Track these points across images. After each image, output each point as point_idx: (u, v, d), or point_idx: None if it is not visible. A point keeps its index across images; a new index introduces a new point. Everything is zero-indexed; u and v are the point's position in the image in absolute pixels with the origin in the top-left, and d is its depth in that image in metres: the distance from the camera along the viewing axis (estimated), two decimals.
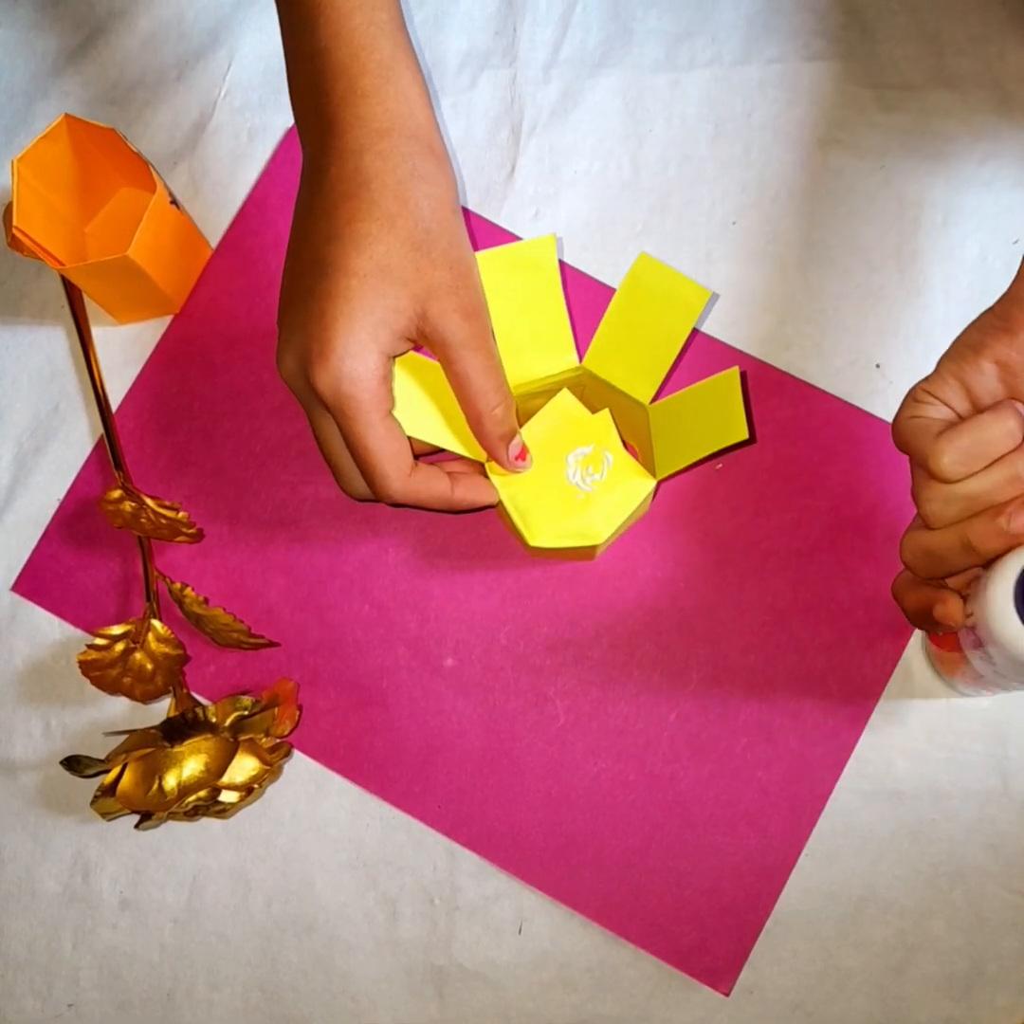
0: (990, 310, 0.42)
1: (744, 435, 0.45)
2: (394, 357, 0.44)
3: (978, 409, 0.42)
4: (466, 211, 0.57)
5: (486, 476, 0.49)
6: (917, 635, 0.52)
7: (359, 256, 0.42)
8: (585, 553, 0.51)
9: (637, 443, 0.50)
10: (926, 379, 0.43)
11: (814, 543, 0.53)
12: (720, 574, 0.53)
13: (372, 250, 0.42)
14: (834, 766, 0.51)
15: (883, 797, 0.51)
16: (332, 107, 0.44)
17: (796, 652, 0.52)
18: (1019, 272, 0.42)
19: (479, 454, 0.48)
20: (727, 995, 0.50)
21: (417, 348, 0.46)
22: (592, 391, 0.51)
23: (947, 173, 0.57)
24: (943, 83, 0.58)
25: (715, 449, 0.46)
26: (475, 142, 0.58)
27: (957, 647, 0.47)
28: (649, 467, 0.49)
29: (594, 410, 0.49)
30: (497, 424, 0.46)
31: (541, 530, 0.48)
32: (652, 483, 0.49)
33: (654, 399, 0.49)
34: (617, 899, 0.50)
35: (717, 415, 0.46)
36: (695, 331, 0.55)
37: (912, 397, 0.43)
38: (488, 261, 0.47)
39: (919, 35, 0.59)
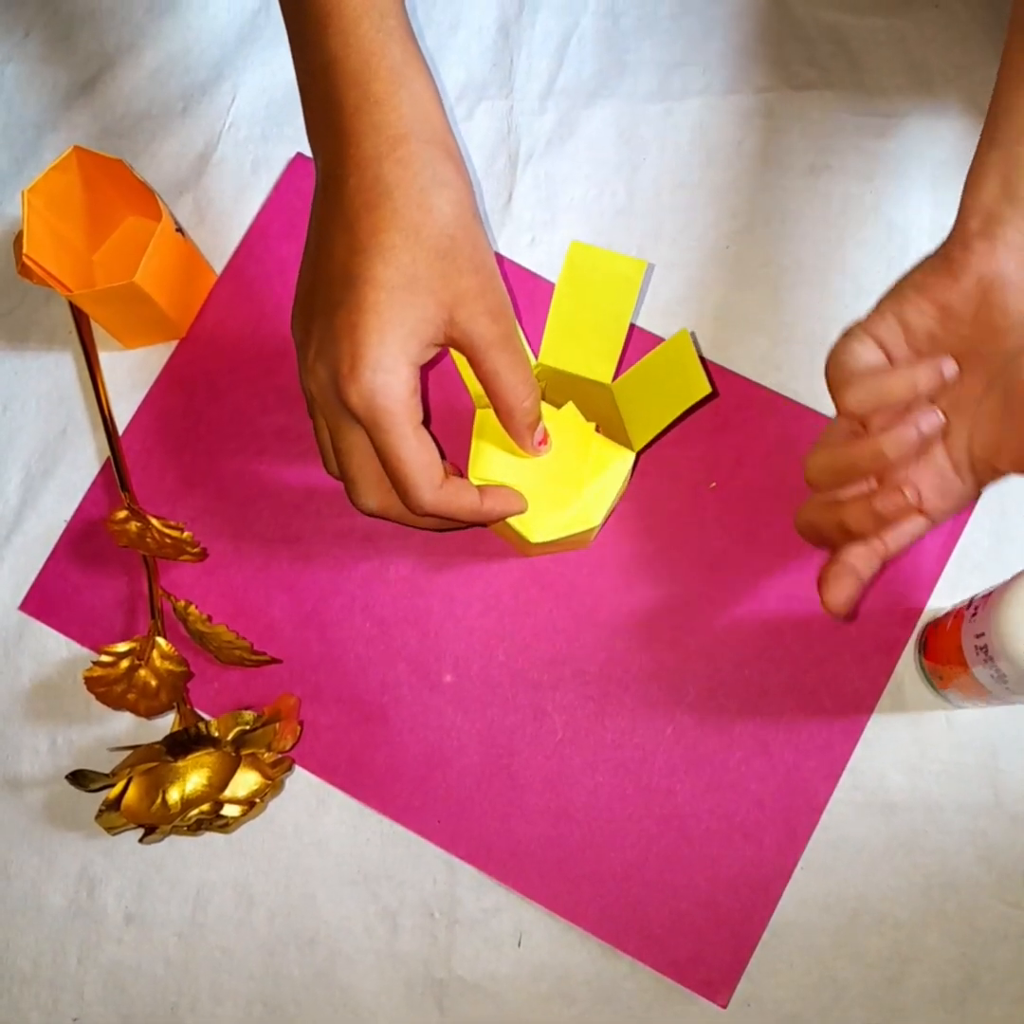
0: (936, 252, 0.42)
1: (707, 390, 0.46)
2: (421, 366, 0.44)
3: (914, 352, 0.43)
4: None
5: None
6: (909, 649, 0.53)
7: (386, 268, 0.42)
8: (581, 540, 0.52)
9: (604, 424, 0.51)
10: (865, 317, 0.44)
11: (806, 560, 0.53)
12: (714, 591, 0.54)
13: (398, 261, 0.42)
14: (828, 779, 0.52)
15: (877, 809, 0.52)
16: (346, 117, 0.44)
17: (790, 667, 0.53)
18: (960, 212, 0.42)
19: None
20: (724, 1007, 0.50)
21: (443, 350, 0.46)
22: (552, 386, 0.52)
23: (934, 198, 0.58)
24: (930, 111, 0.59)
25: (683, 409, 0.48)
26: (473, 171, 0.60)
27: (952, 661, 0.48)
28: (623, 443, 0.51)
29: (557, 406, 0.51)
30: (526, 415, 0.47)
31: (538, 527, 0.49)
32: (632, 456, 0.50)
33: (614, 377, 0.50)
34: (615, 912, 0.51)
35: (677, 377, 0.47)
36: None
37: (848, 334, 0.44)
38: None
39: (906, 64, 0.60)
